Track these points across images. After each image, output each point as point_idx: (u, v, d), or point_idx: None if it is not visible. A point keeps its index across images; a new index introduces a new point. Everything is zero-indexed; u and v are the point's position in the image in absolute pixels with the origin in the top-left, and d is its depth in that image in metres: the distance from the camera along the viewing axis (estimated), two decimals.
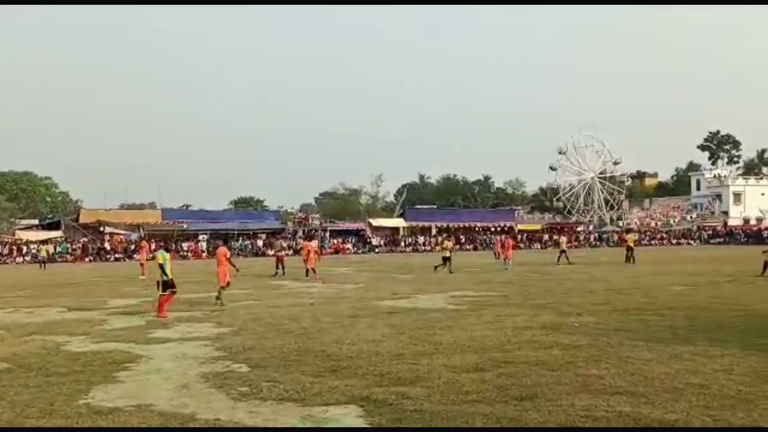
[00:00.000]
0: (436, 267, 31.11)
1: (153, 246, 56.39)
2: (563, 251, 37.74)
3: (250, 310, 16.64)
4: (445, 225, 73.78)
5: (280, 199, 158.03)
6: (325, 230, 71.28)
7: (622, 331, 12.09)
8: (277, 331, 12.82)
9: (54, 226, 65.82)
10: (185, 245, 61.36)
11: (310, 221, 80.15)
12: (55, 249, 58.03)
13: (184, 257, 57.67)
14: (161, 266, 16.09)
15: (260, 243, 64.42)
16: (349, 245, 67.45)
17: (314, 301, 18.60)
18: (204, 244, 62.72)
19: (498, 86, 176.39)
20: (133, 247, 56.89)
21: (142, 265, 32.78)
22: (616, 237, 75.31)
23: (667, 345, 10.45)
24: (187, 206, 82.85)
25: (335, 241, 67.76)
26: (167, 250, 17.09)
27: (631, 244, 38.11)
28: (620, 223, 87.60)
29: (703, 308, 15.45)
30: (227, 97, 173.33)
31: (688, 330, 12.10)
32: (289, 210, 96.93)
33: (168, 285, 16.04)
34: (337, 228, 73.97)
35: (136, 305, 18.48)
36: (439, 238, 38.83)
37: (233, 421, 6.76)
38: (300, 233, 67.53)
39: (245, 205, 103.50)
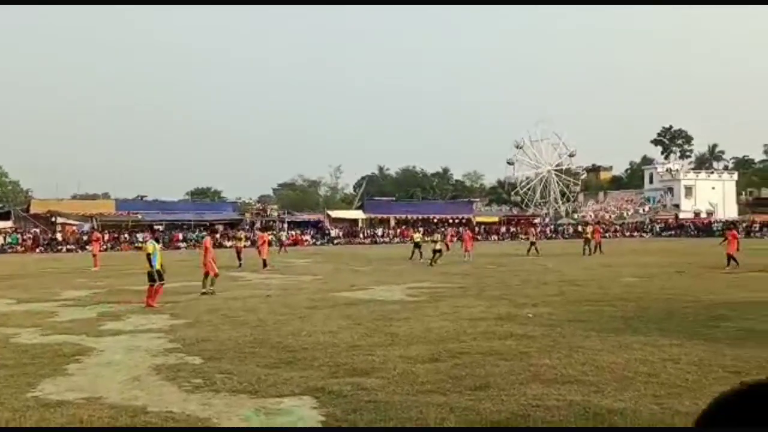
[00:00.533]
0: (431, 262, 29.87)
1: (107, 237, 55.62)
2: (533, 243, 38.40)
3: (205, 302, 16.45)
4: (403, 217, 74.06)
5: (239, 190, 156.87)
6: (283, 221, 70.85)
7: (574, 321, 12.30)
8: (232, 323, 12.71)
9: (3, 216, 64.01)
10: (140, 236, 60.37)
11: (268, 212, 79.54)
12: (4, 239, 56.57)
13: (139, 248, 56.71)
14: (149, 256, 15.88)
15: (217, 234, 63.67)
16: (308, 237, 67.18)
17: (271, 293, 18.48)
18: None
19: (457, 81, 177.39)
20: (85, 238, 55.69)
21: (94, 256, 32.19)
22: (571, 229, 76.55)
23: (618, 335, 10.66)
24: (142, 197, 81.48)
25: (293, 232, 67.40)
26: (157, 240, 16.96)
27: (589, 236, 39.01)
28: (575, 216, 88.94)
29: (653, 299, 15.80)
30: (184, 88, 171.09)
31: (639, 320, 12.36)
32: (246, 201, 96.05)
33: (158, 275, 15.84)
34: (296, 219, 73.61)
35: (87, 297, 18.13)
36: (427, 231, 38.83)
37: (185, 413, 6.69)
38: (258, 224, 66.97)
39: (202, 196, 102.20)
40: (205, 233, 62.76)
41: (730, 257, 25.09)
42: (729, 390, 0.88)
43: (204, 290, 18.09)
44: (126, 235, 59.80)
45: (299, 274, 26.12)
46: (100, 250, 35.11)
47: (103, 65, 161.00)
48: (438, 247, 31.35)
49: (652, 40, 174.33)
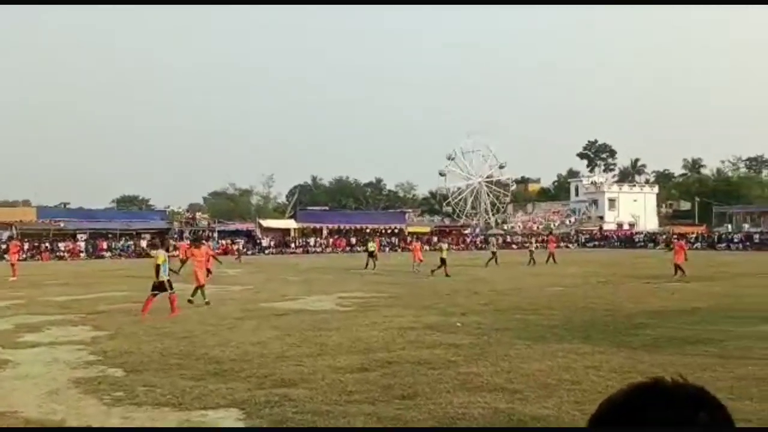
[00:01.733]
0: (432, 271, 28.95)
1: (27, 246, 53.47)
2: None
3: (129, 313, 15.97)
4: (336, 227, 73.92)
5: (168, 198, 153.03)
6: (213, 230, 69.67)
7: (502, 330, 12.52)
8: (157, 335, 12.40)
9: None
10: (62, 245, 58.35)
11: (197, 221, 78.05)
12: None
13: (61, 257, 54.84)
14: (158, 267, 15.53)
15: (144, 243, 62.14)
16: (239, 246, 66.18)
17: (194, 299, 17.98)
18: (83, 244, 59.83)
19: (389, 93, 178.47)
20: (3, 246, 53.40)
21: (12, 265, 30.88)
22: (500, 239, 78.01)
23: (543, 343, 10.91)
24: (65, 204, 78.84)
25: (224, 242, 66.35)
26: (167, 250, 16.49)
27: (533, 249, 40.13)
28: (505, 227, 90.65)
29: (578, 308, 16.24)
30: (110, 92, 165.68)
31: (563, 329, 12.68)
32: (176, 210, 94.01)
33: (163, 286, 15.48)
34: (227, 228, 72.52)
35: (5, 308, 17.37)
36: (435, 240, 37.83)
37: (106, 427, 6.48)
38: (186, 233, 65.62)
39: (129, 204, 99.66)
40: (131, 242, 61.50)
41: (677, 267, 26.04)
42: (618, 391, 0.95)
43: (206, 300, 17.63)
44: (47, 244, 57.66)
45: (229, 284, 25.71)
46: (18, 260, 33.73)
47: (19, 60, 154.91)
48: (444, 255, 29.65)
49: (578, 55, 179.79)
